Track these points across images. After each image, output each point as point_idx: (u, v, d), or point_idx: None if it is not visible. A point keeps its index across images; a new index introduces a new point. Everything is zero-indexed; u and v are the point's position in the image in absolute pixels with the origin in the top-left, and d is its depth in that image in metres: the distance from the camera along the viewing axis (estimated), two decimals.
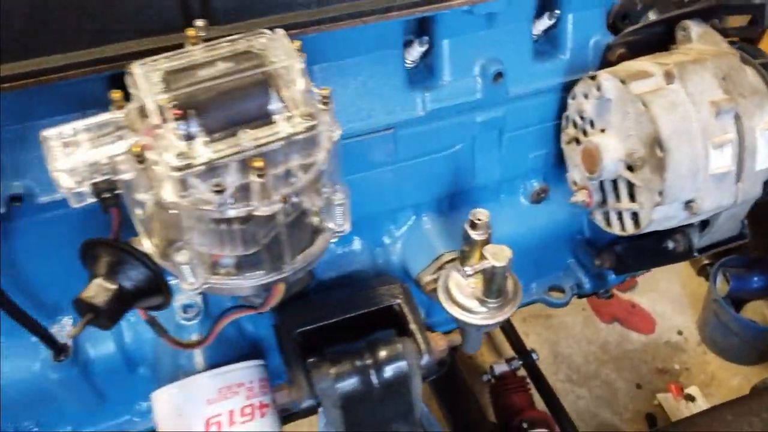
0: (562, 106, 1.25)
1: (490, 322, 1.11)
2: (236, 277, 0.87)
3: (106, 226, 1.04)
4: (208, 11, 0.94)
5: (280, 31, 0.82)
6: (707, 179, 1.00)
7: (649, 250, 1.21)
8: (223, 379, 1.07)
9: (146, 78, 0.74)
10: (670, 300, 3.20)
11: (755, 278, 2.84)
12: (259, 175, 0.74)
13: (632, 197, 1.10)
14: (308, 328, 1.10)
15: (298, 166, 0.80)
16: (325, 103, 0.81)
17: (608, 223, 1.17)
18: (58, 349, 1.10)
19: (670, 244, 1.14)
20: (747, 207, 1.11)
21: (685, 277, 3.26)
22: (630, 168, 1.07)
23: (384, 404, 1.04)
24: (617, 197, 1.13)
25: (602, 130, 1.11)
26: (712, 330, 2.89)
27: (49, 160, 0.74)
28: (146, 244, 0.85)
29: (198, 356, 1.11)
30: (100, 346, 1.16)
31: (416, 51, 1.13)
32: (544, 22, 1.20)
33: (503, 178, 1.31)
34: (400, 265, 1.30)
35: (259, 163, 0.73)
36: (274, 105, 0.77)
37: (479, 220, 1.06)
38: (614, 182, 1.13)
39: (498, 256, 1.04)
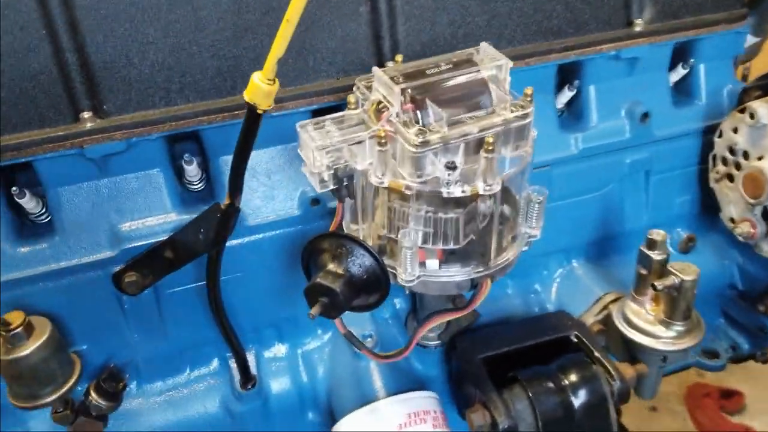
0: (704, 151, 1.32)
1: (679, 347, 1.10)
2: (447, 270, 0.91)
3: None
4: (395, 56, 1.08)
5: (485, 44, 0.94)
6: None
7: None
8: (411, 404, 1.06)
9: (390, 77, 0.85)
10: None
11: None
12: (489, 150, 0.81)
13: None
14: (490, 354, 1.10)
15: (510, 157, 0.88)
16: (529, 101, 0.90)
17: None
18: (248, 378, 1.13)
19: None
20: None
21: None
22: None
23: (582, 428, 1.01)
24: None
25: (759, 158, 1.16)
26: None
27: (305, 143, 0.84)
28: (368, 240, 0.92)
29: (378, 382, 1.12)
30: (280, 380, 1.18)
31: (565, 96, 1.24)
32: (679, 72, 1.30)
33: (651, 223, 1.34)
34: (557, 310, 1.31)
35: (490, 139, 0.81)
36: (490, 99, 0.87)
37: (657, 238, 1.09)
38: None
39: (686, 270, 1.06)
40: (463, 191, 0.84)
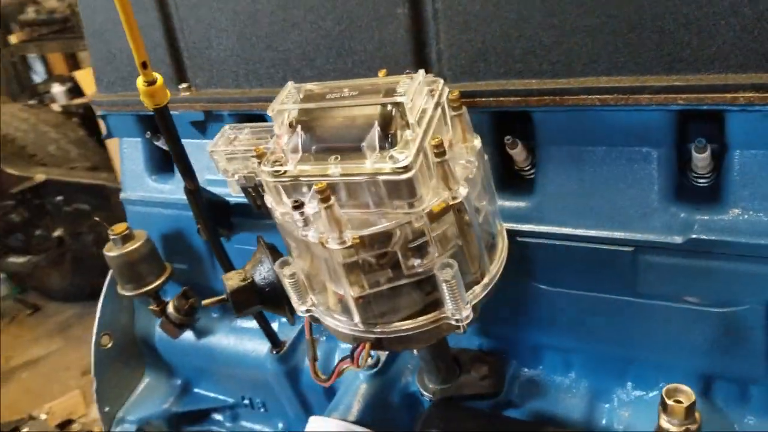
0: None
1: None
2: (333, 316, 0.82)
3: None
4: (441, 70, 0.94)
5: (420, 72, 0.75)
6: None
7: None
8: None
9: (289, 94, 0.79)
10: None
11: None
12: (321, 200, 0.69)
13: None
14: None
15: (391, 214, 0.72)
16: (437, 155, 0.70)
17: None
18: (274, 343, 1.23)
19: None
20: None
21: None
22: None
23: None
24: None
25: None
26: None
27: (212, 143, 0.87)
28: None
29: (356, 405, 1.07)
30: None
31: (701, 158, 0.84)
32: None
33: None
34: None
35: (320, 186, 0.69)
36: (375, 140, 0.71)
37: (677, 402, 0.72)
38: None
39: None
40: (310, 237, 0.74)
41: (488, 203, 0.83)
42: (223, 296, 0.93)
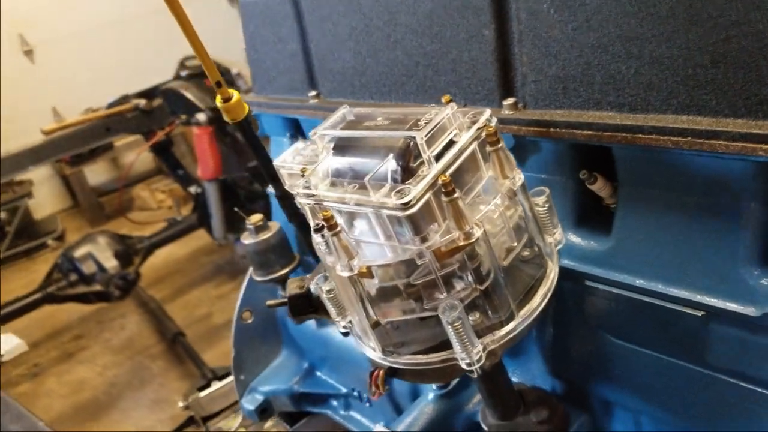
0: None
1: None
2: (361, 338, 0.85)
3: None
4: (524, 94, 0.88)
5: (451, 104, 0.73)
6: None
7: None
8: None
9: (337, 119, 0.81)
10: None
11: None
12: (329, 227, 0.72)
13: None
14: None
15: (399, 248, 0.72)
16: (447, 194, 0.68)
17: None
18: None
19: None
20: None
21: None
22: None
23: None
24: None
25: None
26: None
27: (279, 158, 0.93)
28: None
29: (418, 424, 1.07)
30: None
31: None
32: None
33: None
34: None
35: (326, 213, 0.72)
36: (388, 173, 0.71)
37: None
38: None
39: None
40: (327, 261, 0.77)
41: (528, 244, 0.78)
42: (285, 299, 0.99)
